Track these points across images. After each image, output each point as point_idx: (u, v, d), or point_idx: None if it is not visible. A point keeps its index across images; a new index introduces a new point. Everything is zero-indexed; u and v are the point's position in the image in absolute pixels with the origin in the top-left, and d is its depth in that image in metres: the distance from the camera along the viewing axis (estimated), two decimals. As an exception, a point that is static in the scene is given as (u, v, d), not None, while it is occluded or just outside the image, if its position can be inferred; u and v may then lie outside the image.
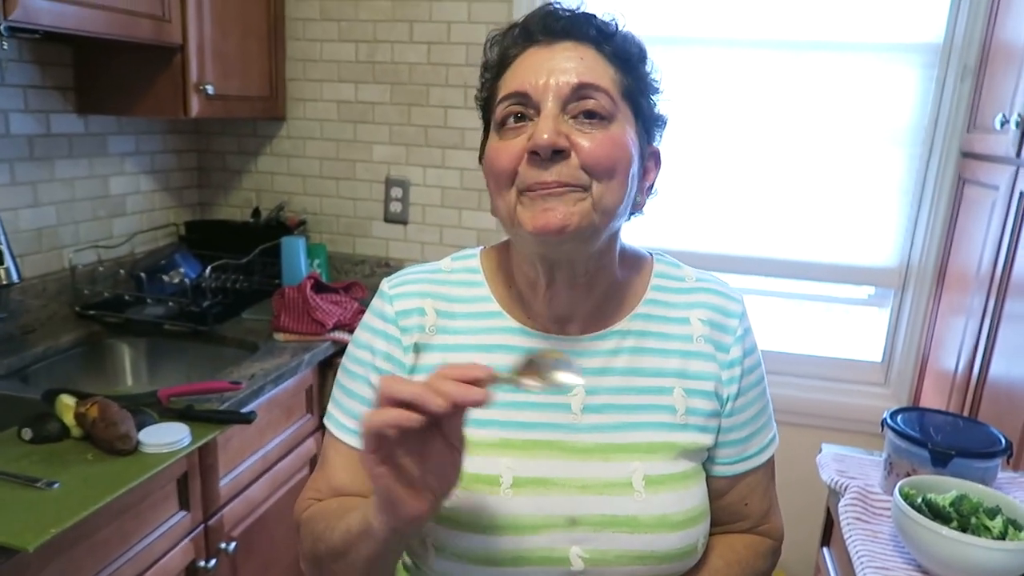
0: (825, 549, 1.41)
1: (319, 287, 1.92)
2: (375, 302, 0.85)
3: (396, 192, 2.27)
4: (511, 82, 0.75)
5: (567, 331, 0.81)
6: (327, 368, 1.84)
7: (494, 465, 0.76)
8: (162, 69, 1.78)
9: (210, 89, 1.83)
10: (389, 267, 2.32)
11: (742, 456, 0.84)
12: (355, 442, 0.81)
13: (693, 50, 2.02)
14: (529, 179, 0.72)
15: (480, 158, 0.82)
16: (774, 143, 2.04)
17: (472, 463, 0.74)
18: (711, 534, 0.83)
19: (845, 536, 1.13)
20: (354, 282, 2.07)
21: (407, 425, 0.58)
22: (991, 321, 1.59)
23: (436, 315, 0.82)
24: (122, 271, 1.98)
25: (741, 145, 2.06)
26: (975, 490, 1.06)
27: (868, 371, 2.15)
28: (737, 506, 0.85)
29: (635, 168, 0.76)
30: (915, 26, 1.90)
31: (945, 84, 1.90)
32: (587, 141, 0.72)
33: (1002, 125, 1.57)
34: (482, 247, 0.89)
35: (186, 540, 1.34)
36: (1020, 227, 1.51)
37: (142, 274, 1.91)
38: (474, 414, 0.72)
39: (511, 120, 0.74)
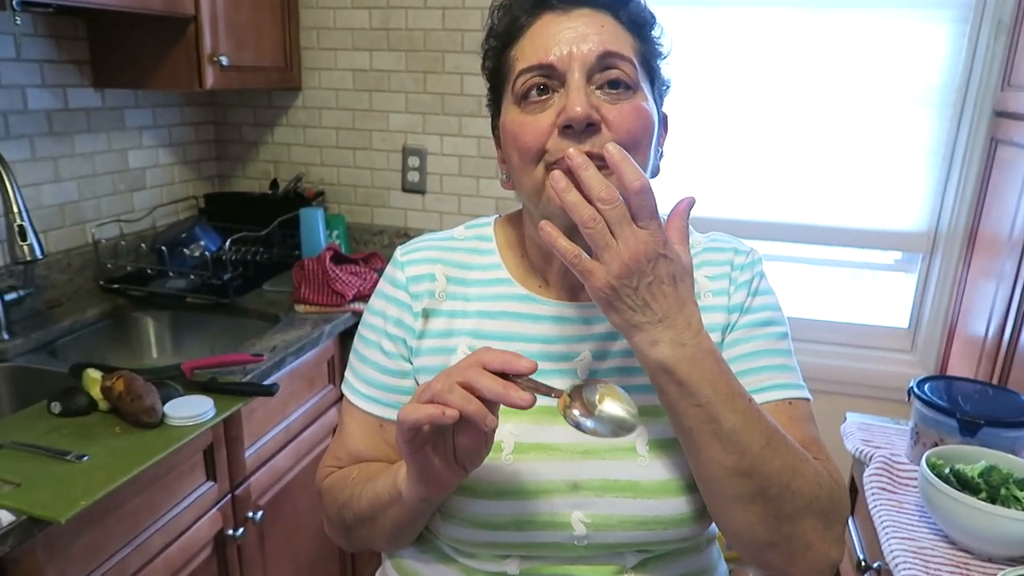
0: (849, 519, 1.40)
1: (338, 258, 1.92)
2: (388, 269, 0.86)
3: (413, 161, 2.25)
4: (530, 52, 0.73)
5: (580, 298, 0.81)
6: (347, 339, 1.84)
7: (497, 432, 0.75)
8: (176, 41, 1.76)
9: (224, 60, 1.81)
10: (407, 237, 2.27)
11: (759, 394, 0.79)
12: (370, 407, 0.83)
13: (715, 11, 1.96)
14: (559, 154, 0.70)
15: (494, 130, 0.80)
16: (798, 105, 1.98)
17: None
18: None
19: (870, 506, 1.12)
20: (373, 253, 2.06)
21: (442, 423, 0.60)
22: (1023, 287, 1.55)
23: (447, 281, 0.82)
24: (144, 245, 1.99)
25: (764, 108, 2.00)
26: (1005, 460, 1.04)
27: (894, 337, 2.11)
28: None
29: (656, 135, 0.76)
30: (948, -20, 1.83)
31: (978, 41, 1.83)
32: (616, 114, 0.70)
33: (1040, 82, 1.51)
34: (497, 216, 0.90)
35: (214, 510, 1.37)
36: (1056, 189, 1.46)
37: (163, 247, 1.92)
38: None
39: (534, 93, 0.72)
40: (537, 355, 0.77)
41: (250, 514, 1.46)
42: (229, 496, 1.41)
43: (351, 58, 2.22)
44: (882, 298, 2.13)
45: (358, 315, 1.83)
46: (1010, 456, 1.05)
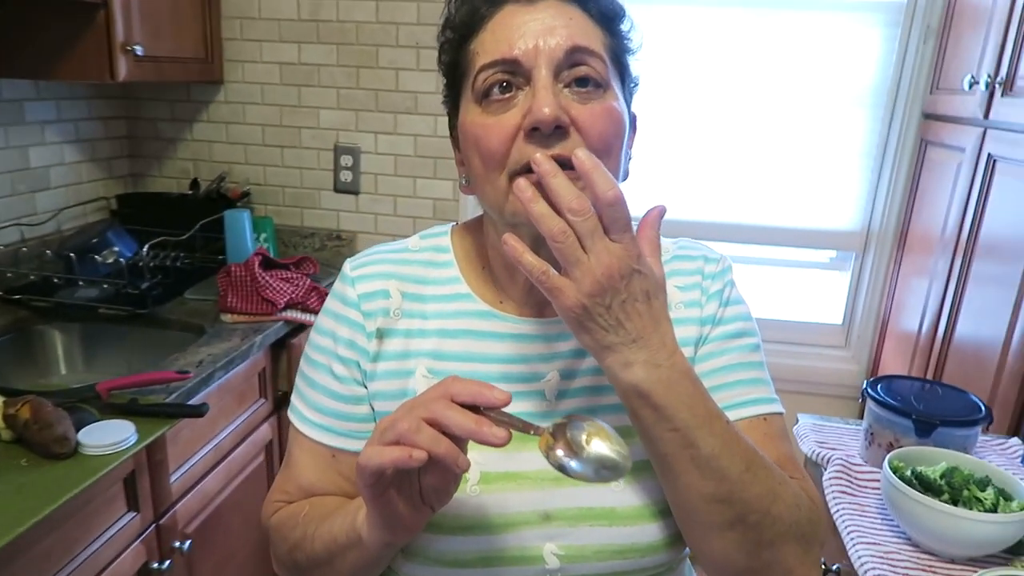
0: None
1: (267, 263, 1.80)
2: (337, 285, 0.78)
3: (346, 160, 2.15)
4: (491, 46, 0.66)
5: (545, 314, 0.75)
6: (280, 349, 1.73)
7: None
8: (84, 28, 1.60)
9: (139, 50, 1.67)
10: (340, 240, 2.21)
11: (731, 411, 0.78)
12: (322, 437, 0.76)
13: (653, 8, 1.95)
14: (524, 160, 0.63)
15: (452, 129, 0.73)
16: (737, 106, 1.99)
17: None
18: None
19: (832, 510, 1.11)
20: (304, 257, 1.95)
21: (407, 467, 0.55)
22: (957, 283, 1.60)
23: (402, 298, 0.76)
24: (48, 251, 1.81)
25: (702, 108, 2.01)
26: (965, 461, 1.05)
27: (829, 334, 2.16)
28: None
29: (626, 137, 0.70)
30: (880, -16, 1.87)
31: (908, 45, 1.88)
32: (586, 115, 0.64)
33: (971, 86, 1.56)
34: (453, 224, 0.82)
35: (137, 542, 1.24)
36: (987, 189, 1.51)
37: (71, 254, 1.75)
38: None
39: (496, 91, 0.65)
40: (501, 376, 0.72)
41: (177, 544, 1.34)
42: (153, 526, 1.29)
43: (278, 51, 2.10)
44: (818, 296, 2.17)
45: (291, 324, 1.72)
46: (969, 457, 1.06)
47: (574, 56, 0.65)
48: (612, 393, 0.68)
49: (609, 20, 0.70)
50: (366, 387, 0.75)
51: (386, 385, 0.74)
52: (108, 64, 1.63)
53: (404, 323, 0.75)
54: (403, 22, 2.01)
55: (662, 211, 0.65)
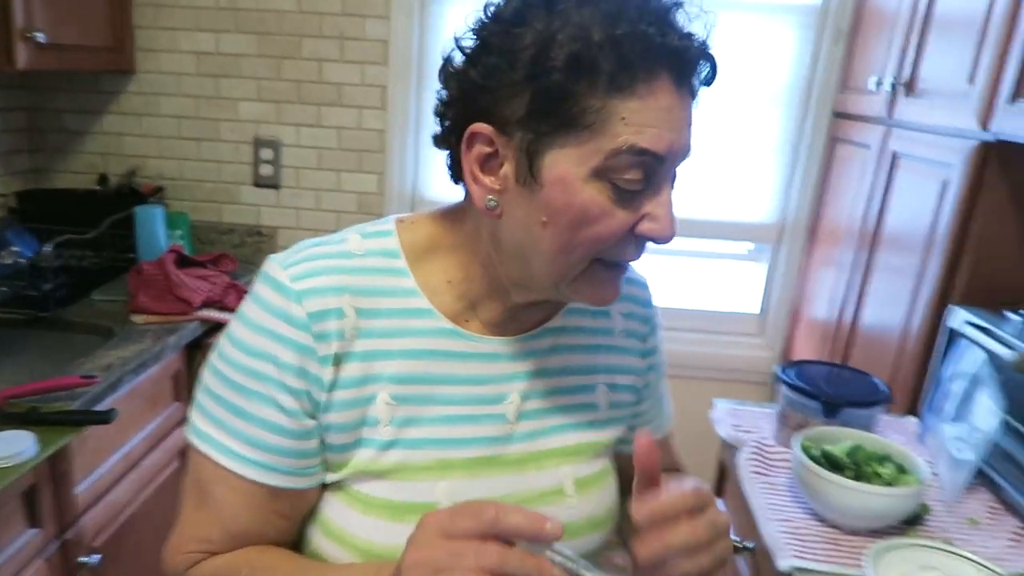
0: (719, 500, 1.45)
1: (183, 261, 1.74)
2: (271, 296, 0.65)
3: (266, 154, 2.08)
4: (649, 130, 0.58)
5: (505, 332, 0.72)
6: (196, 350, 1.67)
7: (430, 491, 0.67)
8: (-26, 11, 1.50)
9: (41, 37, 1.57)
10: (261, 235, 2.14)
11: (655, 433, 0.85)
12: (262, 476, 0.65)
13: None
14: (621, 257, 0.64)
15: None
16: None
17: (406, 491, 0.66)
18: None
19: (746, 490, 1.15)
20: (223, 254, 1.89)
21: None
22: (862, 273, 1.68)
23: (356, 315, 0.65)
24: (-61, 250, 1.70)
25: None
26: (868, 439, 1.10)
27: (747, 323, 2.24)
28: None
29: None
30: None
31: (820, 46, 1.96)
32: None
33: (876, 87, 1.64)
34: (396, 218, 0.73)
35: (39, 561, 1.17)
36: (890, 184, 1.59)
37: (-36, 253, 1.64)
38: (406, 434, 0.66)
39: (633, 180, 0.59)
40: (465, 398, 0.69)
41: (85, 559, 1.27)
42: (58, 542, 1.22)
43: (194, 40, 2.02)
44: (737, 286, 2.24)
45: (209, 323, 1.66)
46: (872, 435, 1.12)
47: None
48: (564, 413, 0.74)
49: None
50: (316, 419, 0.66)
51: (342, 416, 0.66)
52: (6, 51, 1.53)
53: (361, 344, 0.66)
54: (327, 12, 1.97)
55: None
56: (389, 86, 2.01)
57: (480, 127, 0.61)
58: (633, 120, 0.58)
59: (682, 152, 0.61)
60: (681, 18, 0.60)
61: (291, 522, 0.68)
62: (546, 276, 0.64)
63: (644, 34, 0.57)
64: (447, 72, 0.65)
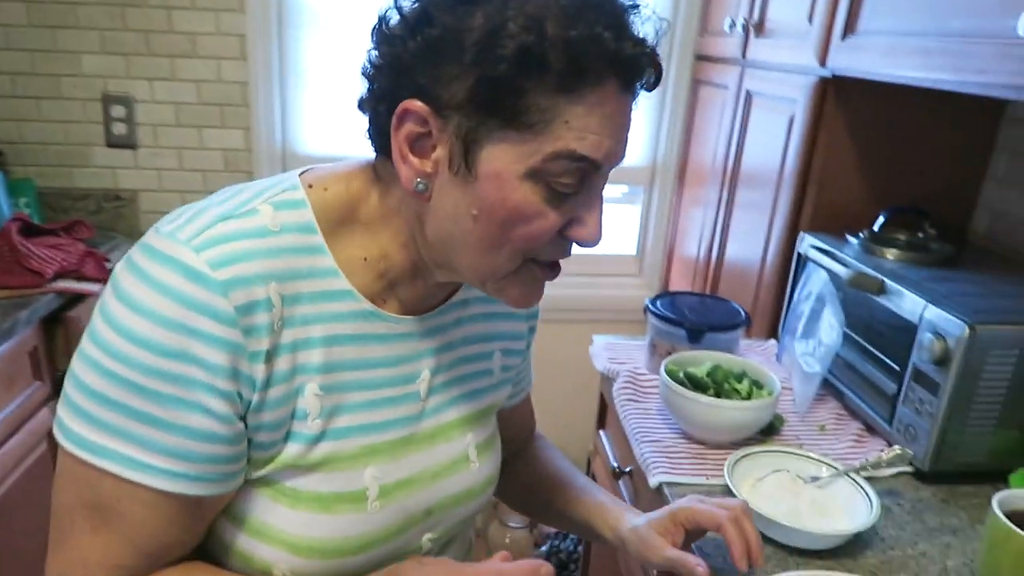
0: (601, 431, 1.52)
1: (29, 230, 1.61)
2: (185, 286, 0.55)
3: (118, 111, 1.94)
4: (589, 136, 0.57)
5: (419, 310, 0.70)
6: (54, 324, 1.56)
7: (359, 479, 0.66)
8: None
9: None
10: (120, 200, 2.00)
11: (524, 388, 0.92)
12: (190, 488, 0.58)
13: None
14: (550, 257, 0.64)
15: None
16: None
17: (335, 481, 0.65)
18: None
19: (621, 416, 1.22)
20: (77, 220, 1.76)
21: None
22: (725, 209, 1.78)
23: (282, 303, 0.60)
24: None
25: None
26: (727, 360, 1.19)
27: (625, 264, 2.33)
28: (525, 422, 0.96)
29: None
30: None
31: (680, -12, 2.02)
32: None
33: (731, 28, 1.71)
34: (302, 179, 0.65)
35: None
36: (747, 123, 1.68)
37: None
38: (333, 425, 0.65)
39: (566, 183, 0.58)
40: (386, 381, 0.68)
41: (-59, 550, 1.19)
42: (-94, 534, 1.13)
43: (18, -15, 1.83)
44: (614, 229, 2.32)
45: (65, 295, 1.55)
46: (730, 356, 1.21)
47: None
48: (466, 381, 0.76)
49: None
50: (245, 420, 0.60)
51: (274, 415, 0.61)
52: None
53: (288, 335, 0.60)
54: (169, -45, 1.83)
55: None
56: (248, 34, 1.90)
57: (414, 105, 0.58)
58: (576, 125, 0.56)
59: (618, 158, 0.61)
60: (636, 20, 0.58)
61: (207, 524, 0.64)
62: (471, 269, 0.63)
63: (599, 38, 0.55)
64: (381, 34, 0.61)
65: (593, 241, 0.62)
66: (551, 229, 0.60)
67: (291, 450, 0.62)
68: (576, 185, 0.59)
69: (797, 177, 1.42)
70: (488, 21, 0.55)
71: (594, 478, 1.63)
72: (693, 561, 0.69)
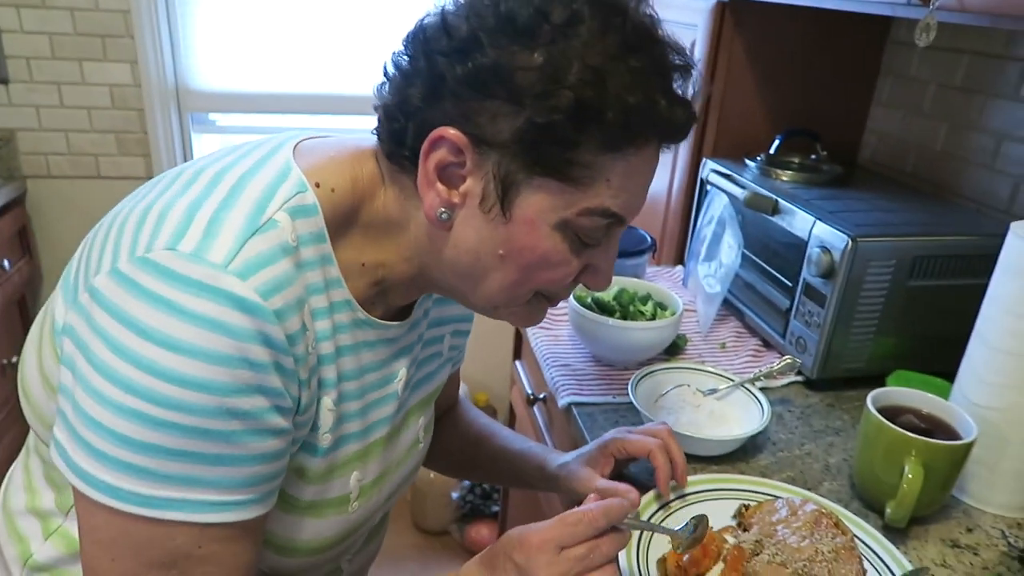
0: (517, 362, 1.55)
1: None
2: (236, 319, 0.50)
3: (-17, 43, 1.77)
4: (625, 195, 0.59)
5: (402, 315, 0.70)
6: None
7: (346, 484, 0.67)
8: None
9: None
10: (-3, 142, 1.85)
11: (460, 361, 0.93)
12: (263, 508, 0.56)
13: None
14: (560, 296, 0.67)
15: (492, 207, 0.57)
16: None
17: (331, 489, 0.66)
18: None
19: (533, 344, 1.24)
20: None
21: None
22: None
23: (313, 322, 0.58)
24: None
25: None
26: (632, 284, 1.22)
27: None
28: (453, 390, 0.98)
29: None
30: None
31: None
32: None
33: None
34: (312, 183, 0.59)
35: None
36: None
37: None
38: (339, 434, 0.65)
39: (593, 236, 0.61)
40: (374, 385, 0.68)
41: None
42: None
43: None
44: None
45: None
46: (636, 280, 1.24)
47: None
48: (424, 365, 0.77)
49: None
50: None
51: (301, 432, 0.60)
52: None
53: (314, 354, 0.59)
54: None
55: None
56: (127, -44, 1.76)
57: (452, 134, 0.55)
58: (615, 183, 0.57)
59: (639, 212, 0.63)
60: (687, 82, 0.58)
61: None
62: (485, 299, 0.64)
63: (657, 105, 0.55)
64: (418, 44, 0.57)
65: (604, 289, 0.66)
66: (571, 275, 0.63)
67: (299, 460, 0.62)
68: (601, 238, 0.61)
69: (700, 102, 1.44)
70: (548, 64, 0.52)
71: (512, 407, 1.67)
72: (624, 488, 0.71)
